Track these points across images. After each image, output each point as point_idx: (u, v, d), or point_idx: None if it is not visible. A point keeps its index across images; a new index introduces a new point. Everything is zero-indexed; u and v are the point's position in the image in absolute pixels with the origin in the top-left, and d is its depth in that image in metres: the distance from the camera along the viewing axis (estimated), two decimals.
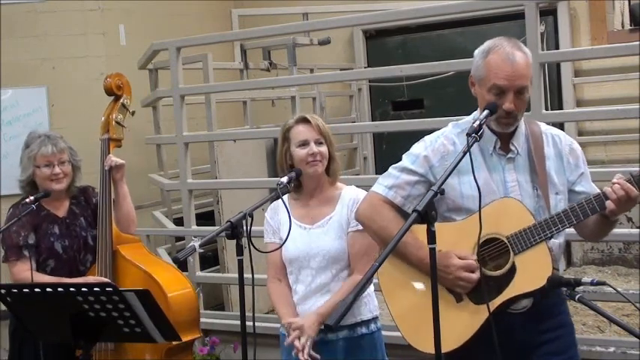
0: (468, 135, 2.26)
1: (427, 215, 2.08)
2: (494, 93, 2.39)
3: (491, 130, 2.46)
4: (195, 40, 5.15)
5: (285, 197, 2.89)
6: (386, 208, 2.51)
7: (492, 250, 2.42)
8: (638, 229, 5.13)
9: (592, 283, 2.16)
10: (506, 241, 2.39)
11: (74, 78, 6.06)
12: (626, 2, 6.38)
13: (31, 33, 6.02)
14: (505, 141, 2.48)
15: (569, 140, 2.58)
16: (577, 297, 2.16)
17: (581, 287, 2.19)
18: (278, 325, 4.32)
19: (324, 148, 2.83)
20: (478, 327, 2.38)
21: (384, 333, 2.95)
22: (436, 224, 2.18)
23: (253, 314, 2.74)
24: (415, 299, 2.47)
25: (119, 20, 6.32)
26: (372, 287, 2.87)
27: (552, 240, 2.41)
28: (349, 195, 2.85)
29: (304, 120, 2.85)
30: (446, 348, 2.26)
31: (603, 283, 2.18)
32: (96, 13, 6.21)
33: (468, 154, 2.23)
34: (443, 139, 2.54)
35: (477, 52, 2.50)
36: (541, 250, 2.37)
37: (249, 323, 2.60)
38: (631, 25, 6.34)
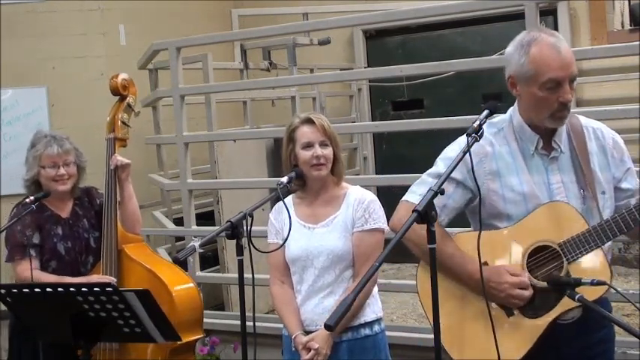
0: (468, 135, 2.18)
1: (427, 215, 2.04)
2: (549, 87, 2.22)
3: (533, 128, 2.33)
4: (195, 40, 5.15)
5: (290, 197, 2.90)
6: None
7: (543, 259, 2.30)
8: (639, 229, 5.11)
9: (592, 283, 2.14)
10: (558, 248, 2.26)
11: (74, 78, 6.06)
12: (626, 2, 6.38)
13: (31, 33, 6.02)
14: (547, 140, 2.33)
15: (611, 133, 2.41)
16: (577, 297, 2.15)
17: (581, 287, 2.17)
18: (278, 325, 4.31)
19: (328, 151, 2.79)
20: (534, 341, 2.26)
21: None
22: (478, 232, 2.14)
23: (253, 314, 2.74)
24: (459, 314, 2.38)
25: (119, 20, 6.32)
26: (376, 289, 2.86)
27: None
28: (354, 195, 2.82)
29: (309, 121, 2.81)
30: None
31: (603, 283, 2.16)
32: (96, 13, 6.21)
33: (468, 154, 2.15)
34: (480, 141, 2.35)
35: (511, 49, 2.32)
36: (597, 256, 2.23)
37: (249, 323, 2.60)
38: (631, 25, 6.34)
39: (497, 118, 2.42)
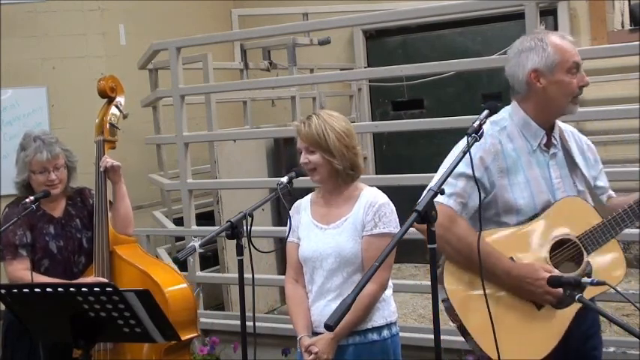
0: (468, 135, 2.20)
1: (427, 215, 2.05)
2: (574, 71, 2.43)
3: (539, 125, 2.45)
4: (195, 40, 5.15)
5: (309, 195, 2.90)
6: (458, 218, 2.38)
7: (566, 253, 2.40)
8: (638, 229, 5.12)
9: (592, 283, 2.15)
10: (578, 241, 2.38)
11: (74, 78, 6.07)
12: (626, 2, 6.38)
13: (31, 33, 6.03)
14: (548, 136, 2.48)
15: (583, 137, 2.63)
16: (577, 297, 2.15)
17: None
18: (278, 325, 4.33)
19: (314, 157, 2.74)
20: (565, 330, 2.36)
21: None
22: (499, 230, 2.24)
23: (253, 314, 2.75)
24: (491, 311, 2.39)
25: (119, 20, 6.33)
26: (389, 292, 2.79)
27: None
28: (366, 197, 2.77)
29: (297, 127, 2.80)
30: (535, 357, 2.30)
31: (603, 283, 2.17)
32: (96, 13, 6.21)
33: (468, 154, 2.17)
34: (490, 139, 2.43)
35: (531, 45, 2.43)
36: (613, 247, 2.40)
37: (249, 323, 2.60)
38: (631, 25, 6.34)
39: (497, 116, 2.48)
